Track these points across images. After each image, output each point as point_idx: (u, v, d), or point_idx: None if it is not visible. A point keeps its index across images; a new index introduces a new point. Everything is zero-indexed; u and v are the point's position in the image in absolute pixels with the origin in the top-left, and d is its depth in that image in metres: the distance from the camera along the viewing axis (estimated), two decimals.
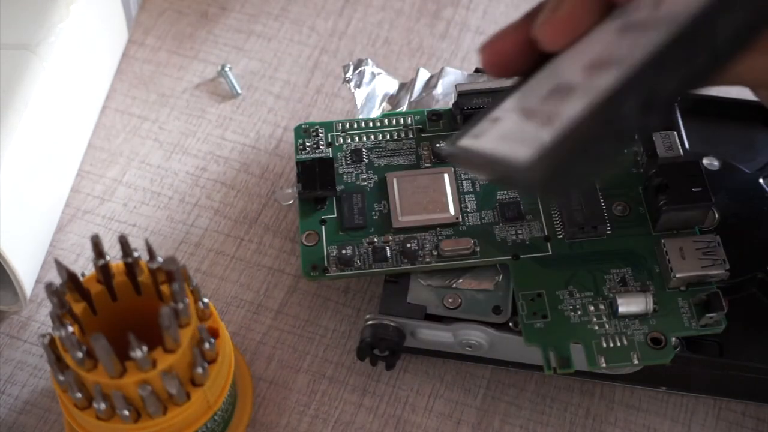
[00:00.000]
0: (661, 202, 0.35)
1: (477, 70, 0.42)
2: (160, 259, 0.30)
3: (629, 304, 0.34)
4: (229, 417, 0.35)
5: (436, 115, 0.39)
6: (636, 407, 0.37)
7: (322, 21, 0.48)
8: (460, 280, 0.36)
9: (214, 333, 0.32)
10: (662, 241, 0.35)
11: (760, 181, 0.39)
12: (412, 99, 0.41)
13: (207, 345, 0.31)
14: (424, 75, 0.42)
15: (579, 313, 0.34)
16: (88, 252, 0.40)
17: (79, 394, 0.30)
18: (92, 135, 0.44)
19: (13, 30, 0.39)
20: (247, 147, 0.44)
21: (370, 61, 0.42)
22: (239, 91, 0.45)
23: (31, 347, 0.38)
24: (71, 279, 0.30)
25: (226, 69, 0.46)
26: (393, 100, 0.42)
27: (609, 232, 0.36)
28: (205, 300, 0.32)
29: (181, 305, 0.29)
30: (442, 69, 0.42)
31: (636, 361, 0.33)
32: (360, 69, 0.41)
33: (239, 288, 0.40)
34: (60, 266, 0.30)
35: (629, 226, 0.36)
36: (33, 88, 0.38)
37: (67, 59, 0.40)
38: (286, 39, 0.47)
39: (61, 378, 0.30)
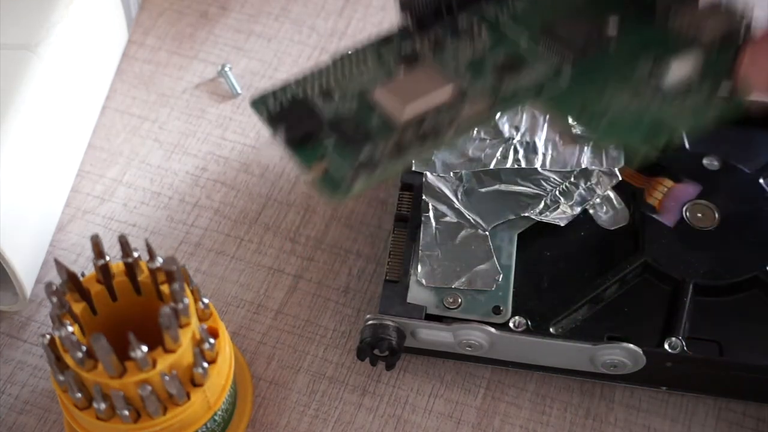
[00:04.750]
0: None
1: None
2: (160, 259, 0.30)
3: (679, 68, 0.32)
4: (229, 417, 0.35)
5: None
6: (636, 407, 0.37)
7: (322, 21, 0.48)
8: (461, 280, 0.36)
9: (214, 333, 0.32)
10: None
11: (760, 181, 0.39)
12: None
13: (207, 345, 0.31)
14: None
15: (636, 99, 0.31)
16: (88, 252, 0.40)
17: (79, 394, 0.30)
18: (92, 135, 0.44)
19: (13, 30, 0.39)
20: (247, 147, 0.44)
21: None
22: (239, 91, 0.45)
23: (31, 347, 0.38)
24: (71, 279, 0.30)
25: (226, 69, 0.46)
26: None
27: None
28: (205, 300, 0.32)
29: (181, 305, 0.29)
30: None
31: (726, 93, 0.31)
32: None
33: (239, 288, 0.40)
34: (60, 266, 0.30)
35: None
36: (33, 88, 0.38)
37: (66, 59, 0.40)
38: (286, 39, 0.47)
39: (61, 378, 0.30)
